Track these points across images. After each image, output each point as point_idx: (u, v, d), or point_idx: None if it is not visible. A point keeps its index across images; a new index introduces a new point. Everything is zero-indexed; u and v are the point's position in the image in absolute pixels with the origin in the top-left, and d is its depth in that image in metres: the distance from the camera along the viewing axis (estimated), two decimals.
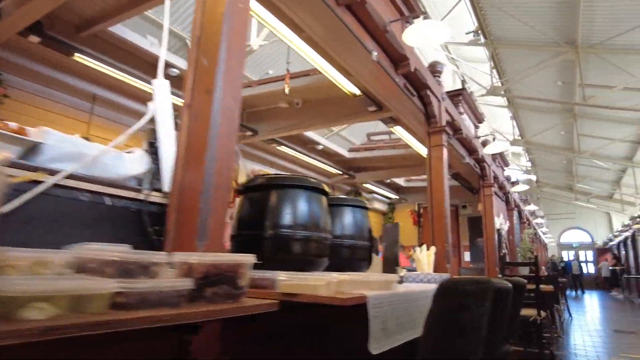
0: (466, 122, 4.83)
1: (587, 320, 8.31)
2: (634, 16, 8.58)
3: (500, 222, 6.87)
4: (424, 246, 3.42)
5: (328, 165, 6.84)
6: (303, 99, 4.61)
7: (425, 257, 3.36)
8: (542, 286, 4.67)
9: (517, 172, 22.37)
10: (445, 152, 3.68)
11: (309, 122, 4.60)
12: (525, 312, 4.30)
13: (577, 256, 21.25)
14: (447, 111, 3.91)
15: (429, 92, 3.57)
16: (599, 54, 10.00)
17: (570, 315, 8.64)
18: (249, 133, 4.95)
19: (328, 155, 6.85)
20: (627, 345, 5.39)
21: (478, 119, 5.11)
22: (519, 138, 16.02)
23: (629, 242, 16.23)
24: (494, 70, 12.63)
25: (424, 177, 10.61)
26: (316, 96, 4.51)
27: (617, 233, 19.60)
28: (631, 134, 13.99)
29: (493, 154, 6.68)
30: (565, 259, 22.28)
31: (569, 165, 18.62)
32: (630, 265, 16.16)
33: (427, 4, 12.14)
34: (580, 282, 18.85)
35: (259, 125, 5.05)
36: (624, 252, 17.80)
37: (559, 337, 5.67)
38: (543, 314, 4.18)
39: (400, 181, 8.96)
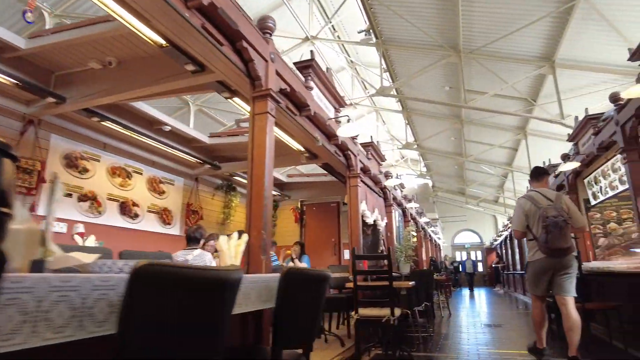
0: (321, 102, 4.32)
1: (465, 316, 8.39)
2: (506, 24, 8.80)
3: (376, 217, 6.56)
4: (235, 234, 2.74)
5: (184, 152, 5.90)
6: (117, 57, 3.72)
7: (232, 246, 2.66)
8: (402, 283, 4.31)
9: (412, 177, 23.48)
10: (271, 121, 3.04)
11: (125, 87, 3.72)
12: (377, 312, 3.79)
13: (469, 256, 22.49)
14: (280, 75, 3.29)
15: (246, 45, 2.85)
16: (478, 60, 10.21)
17: (450, 312, 8.70)
18: (53, 100, 3.95)
19: (185, 140, 5.99)
20: (493, 340, 5.27)
21: (339, 102, 4.63)
22: (412, 142, 16.55)
23: (507, 241, 17.35)
24: (387, 73, 12.78)
25: (308, 172, 10.17)
26: (132, 54, 3.71)
27: (499, 234, 20.96)
28: (509, 140, 14.76)
29: (365, 146, 6.37)
30: (458, 259, 23.87)
31: (460, 170, 19.71)
32: (509, 262, 17.33)
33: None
34: (472, 280, 19.97)
35: (69, 91, 4.05)
36: (504, 251, 19.10)
37: (430, 336, 5.44)
38: (398, 312, 3.76)
39: (283, 177, 8.43)
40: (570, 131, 6.79)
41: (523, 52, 9.82)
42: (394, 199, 8.15)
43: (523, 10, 8.25)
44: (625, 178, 4.62)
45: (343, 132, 4.01)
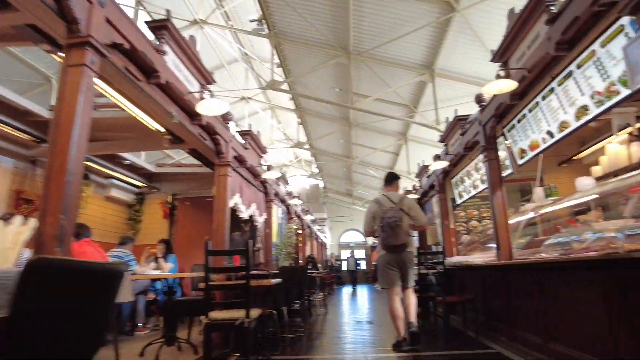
0: (180, 73, 3.71)
1: (341, 313, 8.34)
2: (393, 29, 8.97)
3: (253, 212, 6.12)
4: (17, 218, 2.04)
5: (12, 127, 4.60)
6: None
7: (10, 233, 1.96)
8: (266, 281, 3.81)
9: (304, 177, 23.69)
10: (88, 77, 2.30)
11: None
12: (231, 314, 3.27)
13: (353, 254, 22.76)
14: (113, 26, 2.60)
15: None
16: (366, 62, 10.38)
17: (327, 310, 8.61)
18: None
19: (16, 113, 4.65)
20: (362, 338, 5.19)
21: (205, 77, 4.01)
22: (304, 141, 16.48)
23: None
24: (280, 69, 12.38)
25: (179, 162, 9.32)
26: None
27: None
28: (392, 145, 15.61)
29: (243, 135, 5.88)
30: (344, 257, 24.22)
31: (348, 172, 20.22)
32: None
33: None
34: (355, 277, 20.54)
35: None
36: None
37: (300, 337, 5.18)
38: (255, 313, 3.34)
39: (150, 166, 7.44)
40: None
41: (407, 58, 10.16)
42: (276, 194, 7.78)
43: (408, 16, 8.50)
44: (485, 177, 4.77)
45: (204, 109, 3.46)
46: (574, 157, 6.08)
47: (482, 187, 5.54)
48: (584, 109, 3.11)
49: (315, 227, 16.64)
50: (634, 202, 2.78)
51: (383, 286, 4.36)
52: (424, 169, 8.48)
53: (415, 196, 9.21)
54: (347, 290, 18.00)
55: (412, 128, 13.50)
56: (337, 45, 10.25)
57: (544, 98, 3.59)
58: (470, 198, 6.36)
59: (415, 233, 7.43)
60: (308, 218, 13.00)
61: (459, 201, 6.74)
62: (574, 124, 3.24)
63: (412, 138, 14.02)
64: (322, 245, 22.14)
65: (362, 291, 17.30)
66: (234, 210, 5.85)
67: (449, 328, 5.20)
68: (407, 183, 13.39)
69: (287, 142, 17.86)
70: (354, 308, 9.85)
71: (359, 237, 26.81)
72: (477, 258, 5.41)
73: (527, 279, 3.59)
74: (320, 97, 12.74)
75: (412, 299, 4.23)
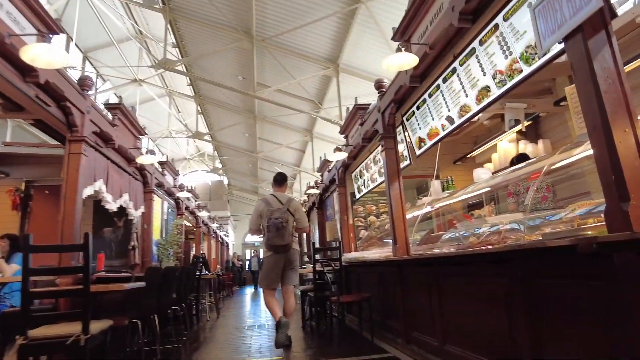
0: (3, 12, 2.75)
1: (235, 317, 7.49)
2: (297, 16, 8.51)
3: (124, 203, 5.12)
4: None
5: None
6: None
7: None
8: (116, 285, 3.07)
9: (205, 172, 21.94)
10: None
11: None
12: (62, 329, 2.43)
13: (257, 253, 21.85)
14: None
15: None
16: (270, 50, 9.73)
17: (218, 314, 7.74)
18: None
19: None
20: (249, 345, 4.52)
21: (46, 24, 3.05)
22: (205, 132, 14.96)
23: None
24: (176, 49, 11.32)
25: (37, 143, 7.83)
26: None
27: None
28: (298, 141, 15.18)
29: (112, 109, 4.83)
30: (248, 257, 23.63)
31: (254, 169, 19.24)
32: None
33: None
34: (256, 278, 19.88)
35: None
36: None
37: (176, 348, 4.31)
38: (99, 327, 2.53)
39: None
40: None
41: (312, 50, 9.76)
42: (160, 185, 6.84)
43: (313, 3, 8.07)
44: (383, 170, 4.47)
45: (34, 58, 2.52)
46: (468, 155, 6.13)
47: (379, 180, 5.35)
48: (485, 90, 2.88)
49: (214, 225, 15.60)
50: (533, 191, 2.65)
51: (262, 286, 4.34)
52: (325, 163, 8.16)
53: (316, 191, 8.84)
54: (249, 291, 17.09)
55: (318, 124, 13.21)
56: (239, 29, 9.48)
57: (445, 80, 3.34)
58: (368, 192, 6.18)
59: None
60: (204, 214, 11.91)
61: (358, 195, 6.59)
62: (475, 108, 2.99)
63: (318, 135, 13.85)
64: (224, 245, 20.72)
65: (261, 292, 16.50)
66: (100, 201, 4.84)
67: (345, 329, 4.88)
68: (311, 179, 13.16)
69: (187, 132, 16.00)
70: (252, 310, 9.05)
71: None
72: (374, 253, 5.15)
73: (424, 276, 3.27)
74: (221, 83, 11.58)
75: (291, 301, 4.29)
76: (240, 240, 26.39)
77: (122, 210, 5.43)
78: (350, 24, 8.27)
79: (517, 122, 4.65)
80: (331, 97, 11.08)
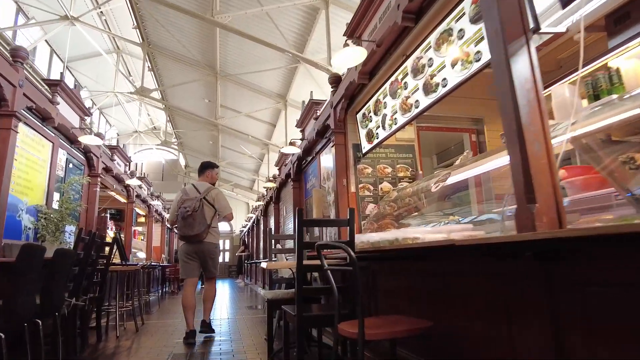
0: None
1: (161, 332, 4.73)
2: (253, 63, 10.20)
3: None
4: None
5: None
6: None
7: None
8: None
9: (157, 150, 18.94)
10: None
11: None
12: None
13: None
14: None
15: None
16: (231, 82, 11.16)
17: (142, 321, 5.23)
18: None
19: None
20: None
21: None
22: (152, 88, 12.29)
23: (254, 227, 14.63)
24: (152, 74, 12.02)
25: None
26: None
27: (245, 222, 17.80)
28: (256, 152, 15.71)
29: (52, 86, 4.06)
30: None
31: (215, 147, 16.37)
32: (254, 251, 14.61)
33: None
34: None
35: None
36: (250, 239, 16.40)
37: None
38: None
39: None
40: None
41: (267, 87, 11.52)
42: (108, 170, 5.88)
43: (267, 57, 9.79)
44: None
45: None
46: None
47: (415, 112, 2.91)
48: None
49: (156, 203, 12.18)
50: None
51: (182, 276, 4.03)
52: (283, 156, 7.24)
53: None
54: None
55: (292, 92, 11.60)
56: (205, 65, 11.01)
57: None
58: (389, 136, 3.46)
59: (226, 224, 6.37)
60: (134, 183, 8.27)
61: (367, 147, 3.81)
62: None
63: (291, 102, 11.75)
64: (172, 231, 15.50)
65: (221, 287, 12.90)
66: None
67: None
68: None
69: (132, 87, 12.21)
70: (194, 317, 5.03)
71: (223, 226, 21.74)
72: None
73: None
74: (191, 108, 13.32)
75: (211, 292, 4.05)
76: None
77: None
78: (294, 73, 10.14)
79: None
80: (282, 123, 11.87)
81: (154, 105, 14.35)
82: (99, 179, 5.40)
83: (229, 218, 4.11)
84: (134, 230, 11.81)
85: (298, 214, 2.26)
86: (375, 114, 3.50)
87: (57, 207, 4.31)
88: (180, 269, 4.01)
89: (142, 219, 10.77)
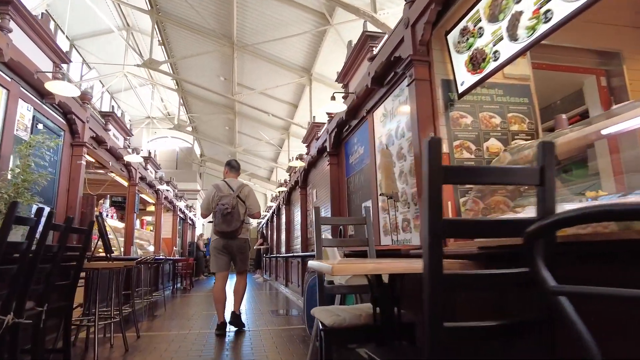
0: None
1: (161, 348, 3.46)
2: (275, 30, 8.69)
3: None
4: None
5: None
6: None
7: None
8: None
9: (171, 139, 18.46)
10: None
11: None
12: None
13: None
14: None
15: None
16: (248, 55, 9.67)
17: (137, 334, 3.86)
18: None
19: None
20: None
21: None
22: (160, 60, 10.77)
23: (274, 218, 12.74)
24: (162, 48, 10.69)
25: None
26: None
27: (264, 213, 15.21)
28: (275, 138, 14.37)
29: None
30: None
31: (232, 133, 15.52)
32: (274, 244, 12.64)
33: None
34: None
35: None
36: (269, 232, 14.37)
37: None
38: None
39: None
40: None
41: (289, 59, 9.89)
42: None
43: (290, 20, 8.39)
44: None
45: None
46: None
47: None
48: None
49: (181, 203, 11.56)
50: None
51: (213, 270, 4.09)
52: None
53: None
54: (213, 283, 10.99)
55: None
56: (221, 35, 9.49)
57: None
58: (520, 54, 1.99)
59: (254, 220, 5.64)
60: (163, 187, 8.62)
61: (470, 80, 2.34)
62: None
63: (317, 77, 10.34)
64: (186, 222, 14.29)
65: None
66: None
67: None
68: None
69: (140, 60, 10.89)
70: (206, 323, 4.57)
71: None
72: None
73: None
74: (206, 85, 11.14)
75: (241, 286, 4.09)
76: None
77: None
78: (321, 39, 8.59)
79: None
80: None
81: (167, 87, 13.38)
82: (84, 150, 4.22)
83: (256, 216, 4.19)
84: (141, 220, 10.63)
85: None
86: (494, 19, 2.03)
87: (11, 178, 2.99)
88: (212, 263, 4.13)
89: (152, 208, 9.41)
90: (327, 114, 4.67)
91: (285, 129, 13.39)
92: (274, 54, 9.61)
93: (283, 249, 9.70)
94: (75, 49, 11.39)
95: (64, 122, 3.94)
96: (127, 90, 13.91)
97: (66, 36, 10.90)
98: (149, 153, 7.94)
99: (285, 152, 13.90)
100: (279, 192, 10.16)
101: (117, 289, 3.63)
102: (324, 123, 5.22)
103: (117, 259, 4.06)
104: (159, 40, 10.26)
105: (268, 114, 10.24)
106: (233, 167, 4.33)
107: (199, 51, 10.21)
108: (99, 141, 4.72)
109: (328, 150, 4.76)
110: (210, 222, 4.20)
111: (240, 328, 4.05)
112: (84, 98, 4.09)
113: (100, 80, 12.84)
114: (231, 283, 4.24)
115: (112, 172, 5.78)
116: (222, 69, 11.07)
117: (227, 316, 4.10)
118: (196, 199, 16.73)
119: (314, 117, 7.97)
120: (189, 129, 15.49)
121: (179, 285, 9.60)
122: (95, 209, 7.36)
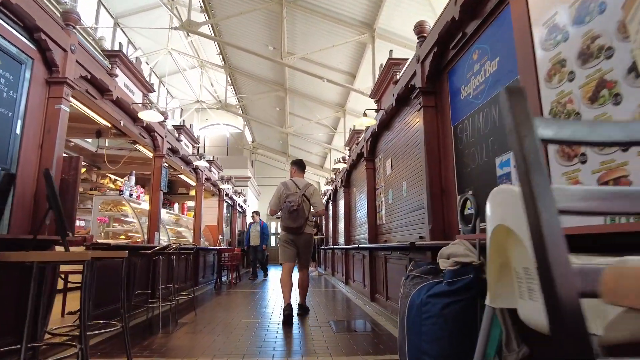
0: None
1: None
2: None
3: None
4: None
5: None
6: None
7: None
8: None
9: (222, 125, 18.08)
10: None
11: None
12: None
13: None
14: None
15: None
16: (299, 11, 8.25)
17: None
18: None
19: None
20: None
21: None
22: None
23: (330, 206, 11.06)
24: (204, 14, 9.84)
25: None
26: None
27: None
28: (329, 118, 12.94)
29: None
30: (274, 231, 17.54)
31: (282, 115, 14.63)
32: (329, 234, 10.87)
33: None
34: (264, 259, 10.54)
35: None
36: (324, 221, 12.45)
37: None
38: None
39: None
40: None
41: (346, 13, 8.21)
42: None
43: None
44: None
45: None
46: None
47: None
48: None
49: (228, 187, 10.18)
50: None
51: (281, 261, 4.30)
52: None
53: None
54: (275, 279, 9.15)
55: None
56: None
57: None
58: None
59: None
60: (202, 164, 7.30)
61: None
62: None
63: (381, 34, 8.86)
64: (234, 209, 12.77)
65: (271, 276, 9.79)
66: None
67: None
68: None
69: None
70: (239, 345, 3.00)
71: None
72: None
73: None
74: (252, 57, 10.05)
75: (305, 281, 4.30)
76: (266, 209, 20.41)
77: None
78: None
79: None
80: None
81: (213, 64, 12.64)
82: (66, 90, 3.06)
83: (320, 213, 4.40)
84: (182, 204, 9.48)
85: None
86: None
87: None
88: (280, 254, 4.31)
89: (194, 192, 8.16)
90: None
91: (341, 106, 11.88)
92: (327, 5, 8.08)
93: (341, 240, 8.11)
94: (120, 28, 11.20)
95: (33, 47, 2.73)
96: (176, 74, 13.65)
97: (110, 14, 10.80)
98: (182, 122, 6.64)
99: (340, 134, 12.50)
100: (336, 171, 8.52)
101: (116, 289, 2.88)
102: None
103: (100, 247, 3.08)
104: (201, 7, 9.46)
105: (323, 79, 8.78)
106: (300, 166, 4.55)
107: (243, 9, 8.99)
108: (99, 88, 3.46)
109: (365, 155, 3.57)
110: (277, 217, 4.37)
111: (307, 312, 4.38)
112: (69, 19, 2.77)
113: (146, 62, 12.24)
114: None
115: (135, 141, 4.77)
116: (270, 36, 9.94)
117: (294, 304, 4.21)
118: (247, 186, 15.70)
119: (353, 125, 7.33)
120: (238, 110, 14.61)
121: (225, 279, 8.49)
122: (137, 193, 6.33)
